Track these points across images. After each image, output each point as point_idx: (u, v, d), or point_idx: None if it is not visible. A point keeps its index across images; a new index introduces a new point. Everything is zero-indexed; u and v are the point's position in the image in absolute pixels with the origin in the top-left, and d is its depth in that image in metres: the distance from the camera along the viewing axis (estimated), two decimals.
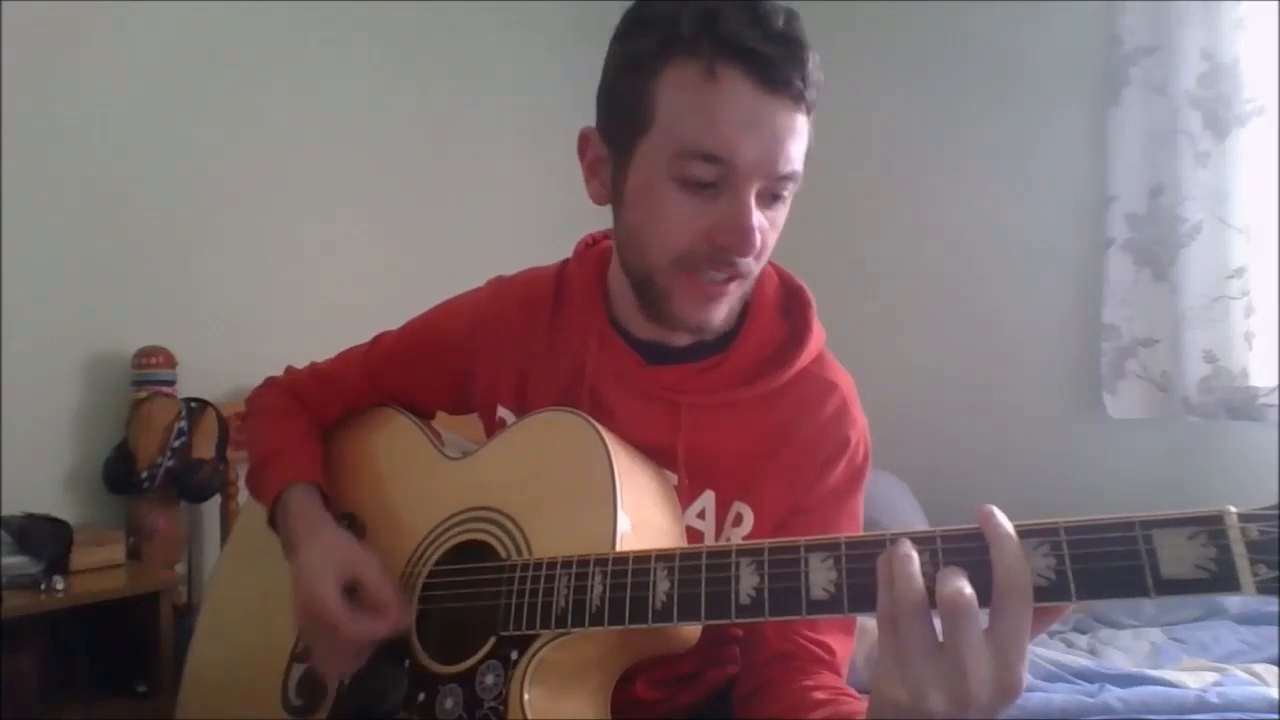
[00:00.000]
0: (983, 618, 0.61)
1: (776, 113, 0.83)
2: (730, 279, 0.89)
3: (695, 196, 0.86)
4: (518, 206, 2.78)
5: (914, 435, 2.75)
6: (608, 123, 0.93)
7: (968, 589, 0.61)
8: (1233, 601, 2.09)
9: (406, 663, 0.92)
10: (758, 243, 0.86)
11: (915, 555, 0.63)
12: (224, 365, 2.17)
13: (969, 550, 0.63)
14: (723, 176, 0.84)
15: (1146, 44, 2.41)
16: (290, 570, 0.99)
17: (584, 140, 0.96)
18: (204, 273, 2.21)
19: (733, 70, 0.82)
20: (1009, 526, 0.62)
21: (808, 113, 0.86)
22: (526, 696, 0.81)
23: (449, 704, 0.86)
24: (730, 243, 0.86)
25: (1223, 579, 0.56)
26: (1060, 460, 2.63)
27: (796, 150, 0.85)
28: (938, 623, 0.62)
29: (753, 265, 0.90)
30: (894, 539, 0.65)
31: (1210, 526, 0.57)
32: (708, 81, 0.83)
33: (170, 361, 2.05)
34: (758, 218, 0.85)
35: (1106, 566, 0.60)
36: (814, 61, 0.84)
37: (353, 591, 0.94)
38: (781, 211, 0.90)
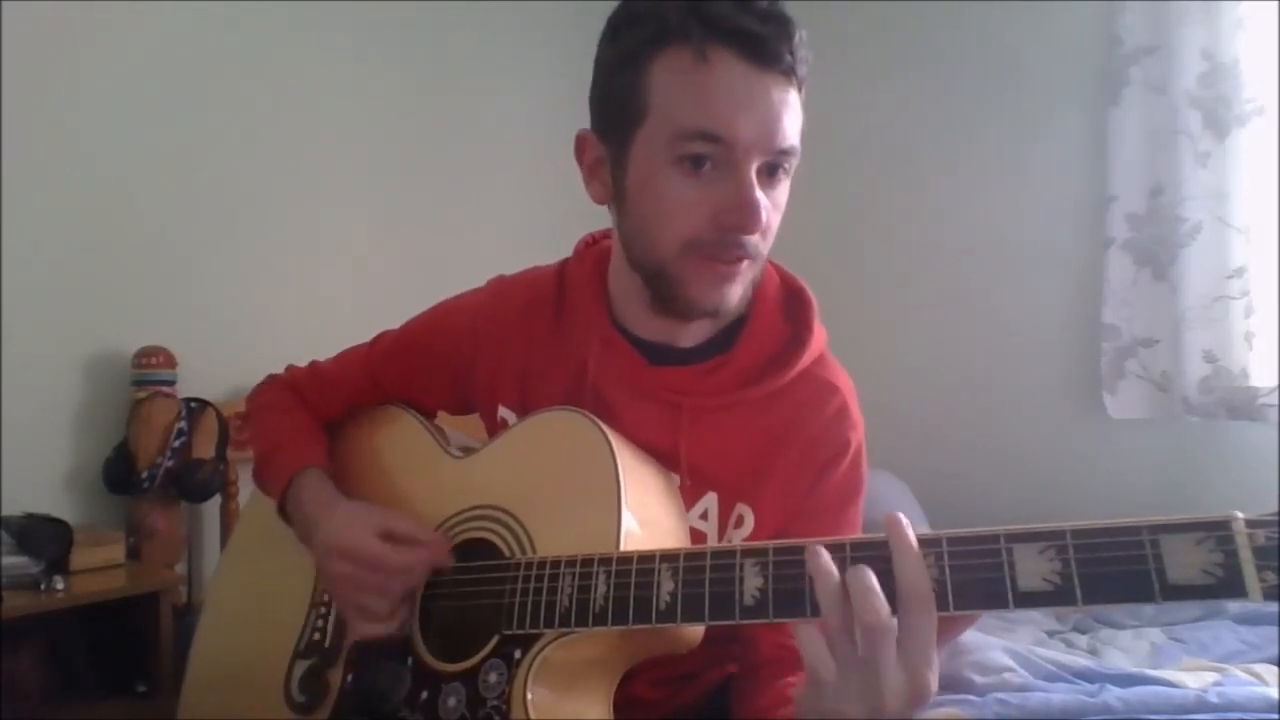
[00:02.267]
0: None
1: (770, 89, 0.84)
2: (740, 259, 0.89)
3: (697, 179, 0.86)
4: (518, 206, 2.79)
5: (914, 435, 2.75)
6: (603, 121, 0.93)
7: (884, 609, 0.63)
8: (1233, 602, 2.09)
9: (409, 661, 0.92)
10: (764, 219, 0.86)
11: (837, 574, 0.66)
12: (224, 365, 2.17)
13: (876, 559, 0.66)
14: (722, 156, 0.85)
15: (1146, 44, 2.41)
16: (315, 544, 1.00)
17: (581, 142, 0.97)
18: (204, 273, 2.21)
19: (724, 51, 0.83)
20: (912, 537, 0.65)
21: (799, 88, 0.87)
22: (530, 695, 0.81)
23: (452, 702, 0.86)
24: (736, 222, 0.86)
25: (1229, 585, 0.56)
26: (1060, 460, 2.63)
27: (792, 125, 0.86)
28: None
29: (760, 245, 0.90)
30: (813, 552, 0.68)
31: (1218, 532, 0.57)
32: (700, 64, 0.84)
33: (170, 361, 2.05)
34: (760, 195, 0.86)
35: (1113, 571, 0.60)
36: (801, 36, 0.85)
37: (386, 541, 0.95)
38: (783, 191, 0.90)
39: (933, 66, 2.87)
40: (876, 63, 2.96)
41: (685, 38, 0.84)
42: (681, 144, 0.85)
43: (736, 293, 0.91)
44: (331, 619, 1.02)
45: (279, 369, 1.25)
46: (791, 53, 0.84)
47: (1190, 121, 2.32)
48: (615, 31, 0.91)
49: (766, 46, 0.83)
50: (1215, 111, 2.29)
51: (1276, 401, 2.21)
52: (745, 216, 0.85)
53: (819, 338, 1.01)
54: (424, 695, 0.89)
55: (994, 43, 2.75)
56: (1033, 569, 0.62)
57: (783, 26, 0.84)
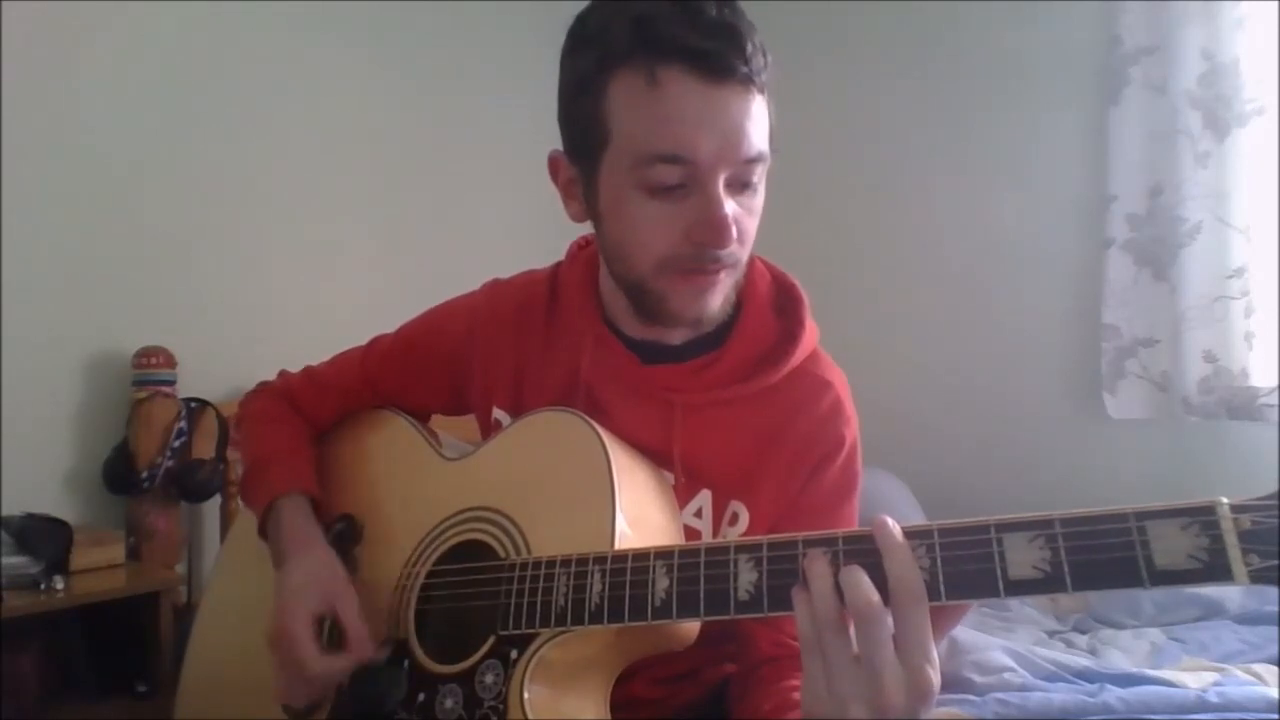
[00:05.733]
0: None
1: (728, 102, 0.82)
2: (719, 270, 0.89)
3: (665, 200, 0.85)
4: (516, 208, 2.78)
5: (914, 435, 2.75)
6: (571, 143, 0.93)
7: (875, 596, 0.64)
8: (1232, 602, 2.09)
9: (406, 663, 0.92)
10: (734, 234, 0.86)
11: (830, 573, 0.66)
12: (224, 365, 2.18)
13: (868, 553, 0.66)
14: (688, 176, 0.84)
15: (1146, 44, 2.41)
16: (274, 584, 0.99)
17: (553, 163, 0.97)
18: (204, 273, 2.22)
19: (673, 71, 0.82)
20: (899, 535, 0.65)
21: (761, 92, 0.85)
22: (526, 695, 0.81)
23: (449, 704, 0.86)
24: (708, 239, 0.85)
25: (1216, 569, 0.57)
26: (1060, 460, 2.63)
27: (756, 133, 0.85)
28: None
29: (737, 253, 0.90)
30: (806, 551, 0.68)
31: (1203, 517, 0.58)
32: (652, 88, 0.82)
33: (170, 361, 2.05)
34: (731, 208, 0.85)
35: (1101, 558, 0.60)
36: (755, 42, 0.83)
37: (326, 623, 0.94)
38: (756, 197, 0.89)
39: (933, 66, 2.87)
40: (877, 63, 2.96)
41: (633, 60, 0.83)
42: (645, 168, 0.84)
43: (717, 301, 0.91)
44: (327, 622, 1.02)
45: (278, 369, 1.25)
46: (746, 61, 0.82)
47: (1190, 121, 2.31)
48: (571, 53, 0.90)
49: (718, 60, 0.81)
50: (1215, 111, 2.29)
51: (1276, 401, 2.21)
52: (717, 233, 0.85)
53: (811, 334, 1.01)
54: (421, 697, 0.89)
55: (994, 43, 2.74)
56: (1023, 558, 0.62)
57: (733, 37, 0.82)
